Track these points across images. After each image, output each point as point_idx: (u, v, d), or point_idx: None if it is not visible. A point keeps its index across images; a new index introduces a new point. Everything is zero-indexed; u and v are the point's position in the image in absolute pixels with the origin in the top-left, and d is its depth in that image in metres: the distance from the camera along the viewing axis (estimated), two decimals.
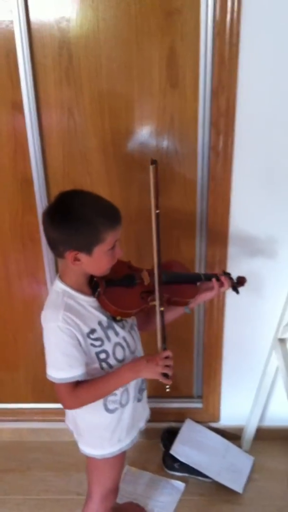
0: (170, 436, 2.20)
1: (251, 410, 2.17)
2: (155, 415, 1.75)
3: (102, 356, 1.41)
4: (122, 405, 1.49)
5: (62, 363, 1.35)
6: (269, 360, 2.02)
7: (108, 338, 1.42)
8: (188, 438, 2.18)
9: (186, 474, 2.10)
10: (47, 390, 2.18)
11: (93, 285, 1.40)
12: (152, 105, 1.71)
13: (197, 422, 2.25)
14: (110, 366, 1.43)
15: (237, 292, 1.62)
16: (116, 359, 1.44)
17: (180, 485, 2.08)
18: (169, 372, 1.36)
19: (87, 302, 1.39)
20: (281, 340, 1.96)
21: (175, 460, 2.10)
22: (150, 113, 1.73)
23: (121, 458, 1.60)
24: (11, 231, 1.93)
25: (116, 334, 1.44)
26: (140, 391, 1.55)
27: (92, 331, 1.38)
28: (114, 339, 1.43)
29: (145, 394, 1.59)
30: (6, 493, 2.07)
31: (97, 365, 1.41)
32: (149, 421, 1.66)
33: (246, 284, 1.64)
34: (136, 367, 1.39)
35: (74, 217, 1.29)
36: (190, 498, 2.03)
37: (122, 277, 1.45)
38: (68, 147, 1.78)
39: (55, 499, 2.03)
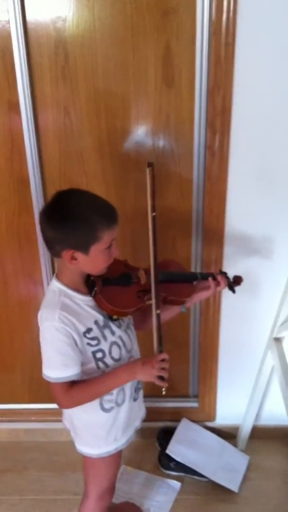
0: (166, 435, 2.20)
1: (246, 409, 2.17)
2: (151, 414, 1.75)
3: (99, 355, 1.41)
4: (118, 404, 1.49)
5: (57, 363, 1.35)
6: (264, 359, 2.02)
7: (105, 337, 1.42)
8: (184, 437, 2.18)
9: (182, 474, 2.11)
10: (43, 390, 2.18)
11: (90, 284, 1.40)
12: (148, 105, 1.72)
13: (193, 421, 2.25)
14: (106, 365, 1.43)
15: (234, 291, 1.62)
16: (112, 358, 1.44)
17: (176, 484, 2.08)
18: (165, 375, 1.36)
19: (84, 301, 1.39)
20: (277, 340, 1.97)
21: (171, 459, 2.10)
22: (146, 112, 1.73)
23: (117, 457, 1.60)
24: (7, 231, 1.93)
25: (113, 333, 1.44)
26: (136, 390, 1.55)
27: (89, 330, 1.38)
28: (111, 338, 1.43)
29: (141, 393, 1.59)
30: (3, 493, 2.06)
31: (93, 364, 1.41)
32: (145, 420, 1.67)
33: (242, 284, 1.64)
34: (132, 369, 1.39)
35: (70, 216, 1.29)
36: (186, 498, 2.04)
37: (119, 276, 1.45)
38: (64, 147, 1.78)
39: (51, 499, 2.03)
